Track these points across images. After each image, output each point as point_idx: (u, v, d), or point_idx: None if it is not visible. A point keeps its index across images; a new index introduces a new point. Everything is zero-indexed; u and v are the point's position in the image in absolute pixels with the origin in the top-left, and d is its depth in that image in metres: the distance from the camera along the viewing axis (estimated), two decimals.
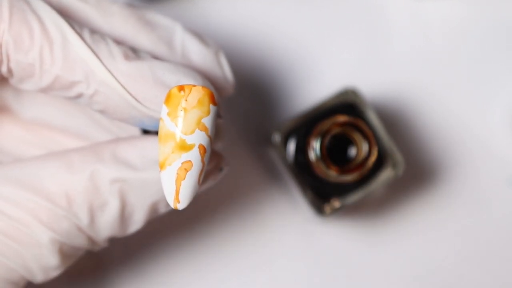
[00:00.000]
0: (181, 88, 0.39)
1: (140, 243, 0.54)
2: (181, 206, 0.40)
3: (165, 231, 0.54)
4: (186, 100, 0.39)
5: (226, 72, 0.45)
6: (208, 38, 0.45)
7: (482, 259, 0.56)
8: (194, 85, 0.39)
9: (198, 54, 0.44)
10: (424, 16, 0.57)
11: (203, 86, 0.39)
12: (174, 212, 0.45)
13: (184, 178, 0.40)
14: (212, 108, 0.39)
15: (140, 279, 0.54)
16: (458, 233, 0.56)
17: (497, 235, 0.56)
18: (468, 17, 0.57)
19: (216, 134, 0.45)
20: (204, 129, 0.39)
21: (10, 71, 0.40)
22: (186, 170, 0.40)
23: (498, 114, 0.57)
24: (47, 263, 0.42)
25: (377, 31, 0.57)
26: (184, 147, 0.39)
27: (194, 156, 0.39)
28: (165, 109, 0.39)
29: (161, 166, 0.40)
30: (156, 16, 0.44)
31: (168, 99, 0.39)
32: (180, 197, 0.40)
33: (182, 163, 0.39)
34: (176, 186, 0.40)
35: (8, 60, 0.40)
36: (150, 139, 0.42)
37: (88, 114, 0.46)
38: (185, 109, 0.39)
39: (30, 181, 0.41)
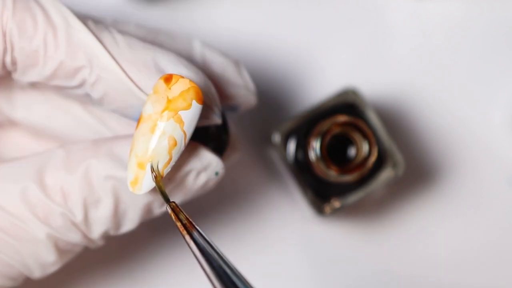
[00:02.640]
0: (170, 77, 0.39)
1: (139, 240, 0.54)
2: (138, 191, 0.40)
3: (164, 230, 0.55)
4: (169, 89, 0.39)
5: (247, 81, 0.45)
6: (225, 51, 0.46)
7: (482, 258, 0.56)
8: (182, 77, 0.39)
9: (218, 64, 0.45)
10: (424, 16, 0.57)
11: (190, 80, 0.39)
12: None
13: (146, 165, 0.40)
14: (195, 104, 0.39)
15: (139, 279, 0.54)
16: (458, 233, 0.56)
17: (497, 235, 0.56)
18: (468, 17, 0.57)
19: (233, 145, 0.45)
20: (179, 121, 0.39)
21: (14, 61, 0.41)
22: (150, 158, 0.40)
23: (498, 114, 0.57)
24: (44, 259, 0.42)
25: (377, 31, 0.57)
26: (154, 133, 0.39)
27: (161, 145, 0.39)
28: (151, 94, 0.40)
29: (131, 149, 0.40)
30: (173, 33, 0.45)
31: (155, 85, 0.40)
32: (138, 181, 0.40)
33: (146, 148, 0.39)
34: (136, 171, 0.40)
35: (12, 49, 0.40)
36: None
37: (95, 129, 0.45)
38: (166, 97, 0.39)
39: (30, 176, 0.41)
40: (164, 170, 0.40)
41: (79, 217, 0.41)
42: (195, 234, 0.38)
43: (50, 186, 0.41)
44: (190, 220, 0.39)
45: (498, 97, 0.57)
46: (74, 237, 0.42)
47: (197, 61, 0.44)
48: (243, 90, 0.45)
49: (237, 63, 0.45)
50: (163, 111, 0.39)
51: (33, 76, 0.41)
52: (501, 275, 0.56)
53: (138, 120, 0.40)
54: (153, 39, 0.44)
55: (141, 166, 0.40)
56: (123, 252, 0.54)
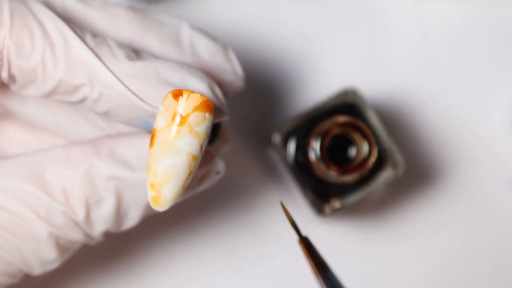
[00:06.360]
0: (179, 92, 0.39)
1: (138, 239, 0.54)
2: (161, 209, 0.40)
3: (164, 230, 0.54)
4: (181, 105, 0.39)
5: (235, 66, 0.45)
6: (214, 35, 0.45)
7: (481, 259, 0.56)
8: (193, 92, 0.39)
9: (207, 50, 0.44)
10: (424, 16, 0.57)
11: (201, 95, 0.39)
12: (173, 211, 0.45)
13: (167, 183, 0.40)
14: (207, 117, 0.39)
15: (138, 277, 0.54)
16: (458, 233, 0.56)
17: (497, 235, 0.56)
18: (468, 17, 0.57)
19: (223, 137, 0.45)
20: (196, 136, 0.39)
21: (11, 77, 0.40)
22: (171, 176, 0.40)
23: (498, 114, 0.57)
24: (45, 257, 0.42)
25: (377, 31, 0.57)
26: (172, 151, 0.39)
27: (181, 163, 0.39)
28: (161, 109, 0.39)
29: (148, 167, 0.40)
30: (162, 16, 0.44)
31: (165, 101, 0.39)
32: (161, 200, 0.40)
33: (166, 167, 0.39)
34: (157, 189, 0.40)
35: (10, 66, 0.40)
36: (148, 137, 0.42)
37: (91, 120, 0.45)
38: (180, 115, 0.39)
39: (29, 174, 0.41)
40: (185, 184, 0.40)
41: (81, 216, 0.41)
42: (329, 274, 0.37)
43: (52, 185, 0.41)
44: (324, 259, 0.37)
45: (499, 98, 0.57)
46: (76, 235, 0.42)
47: (185, 47, 0.44)
48: (231, 75, 0.45)
49: (225, 47, 0.45)
50: (179, 128, 0.39)
51: (32, 91, 0.41)
52: (501, 275, 0.56)
53: (152, 137, 0.40)
54: (141, 23, 0.44)
55: (161, 184, 0.40)
56: (122, 246, 0.54)
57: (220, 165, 0.43)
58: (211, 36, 0.45)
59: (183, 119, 0.39)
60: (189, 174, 0.40)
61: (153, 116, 0.41)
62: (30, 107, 0.45)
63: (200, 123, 0.39)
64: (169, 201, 0.40)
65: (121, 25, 0.43)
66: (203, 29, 0.45)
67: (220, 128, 0.46)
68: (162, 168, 0.39)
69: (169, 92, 0.39)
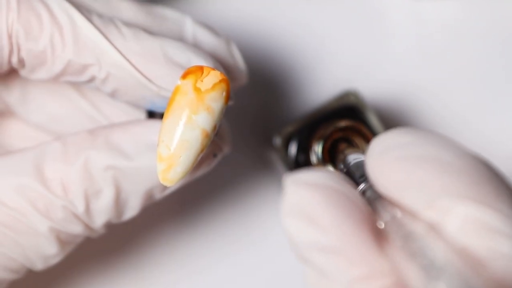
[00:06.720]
0: (200, 68, 0.39)
1: (139, 241, 0.54)
2: (169, 184, 0.40)
3: (164, 231, 0.55)
4: (201, 81, 0.39)
5: (238, 61, 0.45)
6: (217, 30, 0.45)
7: None
8: (213, 69, 0.40)
9: (210, 44, 0.45)
10: (424, 17, 0.57)
11: (221, 73, 0.40)
12: (173, 214, 0.45)
13: (180, 157, 0.40)
14: (225, 96, 0.40)
15: (138, 275, 0.54)
16: None
17: None
18: (467, 17, 0.57)
19: (223, 137, 0.45)
20: (212, 113, 0.39)
21: (21, 61, 0.41)
22: (184, 149, 0.40)
23: (499, 114, 0.57)
24: (46, 252, 0.42)
25: (377, 33, 0.57)
26: (188, 125, 0.39)
27: (195, 138, 0.39)
28: (179, 84, 0.40)
29: (160, 140, 0.40)
30: (165, 10, 0.45)
31: (185, 76, 0.40)
32: (171, 174, 0.40)
33: (181, 140, 0.39)
34: (169, 163, 0.40)
35: (19, 50, 0.40)
36: (142, 124, 0.42)
37: (90, 114, 0.45)
38: (198, 89, 0.39)
39: (29, 169, 0.41)
40: (196, 160, 0.40)
41: (80, 208, 0.42)
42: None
43: (50, 179, 0.41)
44: None
45: (499, 98, 0.57)
46: (76, 229, 0.42)
47: (188, 42, 0.44)
48: (234, 70, 0.45)
49: (228, 42, 0.45)
50: (196, 103, 0.39)
51: (42, 74, 0.42)
52: None
53: (166, 110, 0.40)
54: (144, 17, 0.44)
55: (174, 157, 0.40)
56: (121, 243, 0.54)
57: (217, 149, 0.44)
58: (214, 31, 0.45)
59: (201, 95, 0.39)
60: (201, 151, 0.40)
61: (159, 95, 0.41)
62: (32, 109, 0.45)
63: (217, 100, 0.39)
64: (179, 175, 0.40)
65: (124, 18, 0.43)
66: (206, 24, 0.45)
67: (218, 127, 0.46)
68: (176, 141, 0.39)
69: (193, 66, 0.40)
